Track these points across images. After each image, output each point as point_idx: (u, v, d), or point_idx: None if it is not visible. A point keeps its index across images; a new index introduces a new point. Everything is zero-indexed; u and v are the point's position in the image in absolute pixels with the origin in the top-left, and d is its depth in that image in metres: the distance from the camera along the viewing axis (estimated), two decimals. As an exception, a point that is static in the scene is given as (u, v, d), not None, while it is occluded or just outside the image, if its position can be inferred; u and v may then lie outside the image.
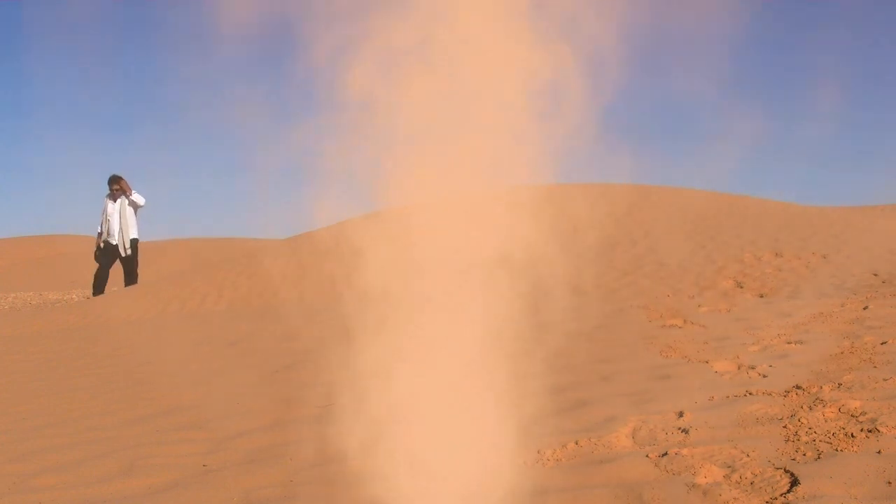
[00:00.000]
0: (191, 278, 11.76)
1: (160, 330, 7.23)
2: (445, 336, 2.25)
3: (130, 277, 12.19)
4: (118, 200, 11.87)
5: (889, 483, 2.41)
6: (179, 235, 29.26)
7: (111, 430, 3.70)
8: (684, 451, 2.79)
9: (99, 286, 12.08)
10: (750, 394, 3.44)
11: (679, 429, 3.05)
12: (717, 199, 14.06)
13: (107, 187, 12.12)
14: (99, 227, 12.04)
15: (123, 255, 11.83)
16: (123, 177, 12.16)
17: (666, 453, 2.79)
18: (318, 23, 2.13)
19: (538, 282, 2.24)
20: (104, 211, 11.97)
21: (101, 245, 11.93)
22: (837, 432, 2.84)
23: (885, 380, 3.45)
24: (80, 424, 3.86)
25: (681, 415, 3.22)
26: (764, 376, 3.75)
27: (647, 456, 2.79)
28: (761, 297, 7.47)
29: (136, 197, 11.86)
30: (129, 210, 11.99)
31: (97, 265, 12.09)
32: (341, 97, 2.17)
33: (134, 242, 12.02)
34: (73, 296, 13.86)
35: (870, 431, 2.81)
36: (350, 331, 2.38)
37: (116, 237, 11.79)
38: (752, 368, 3.92)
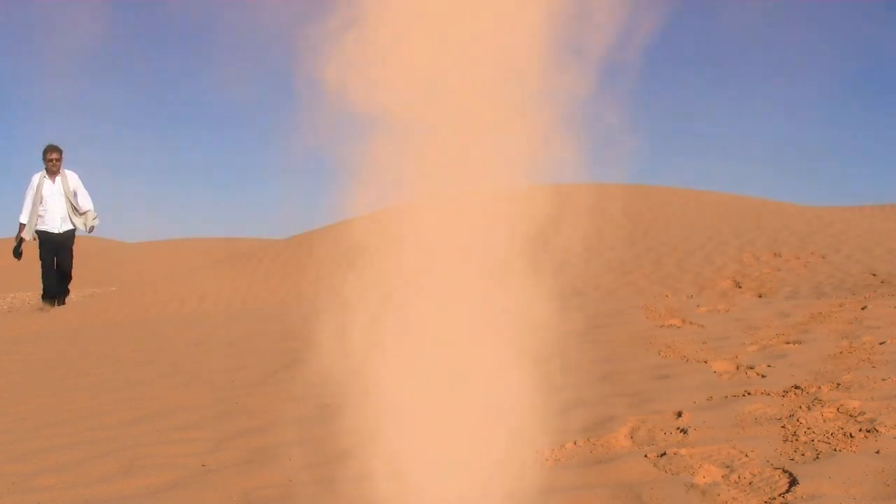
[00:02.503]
0: (190, 278, 11.76)
1: (160, 329, 7.23)
2: (444, 336, 2.25)
3: (64, 274, 9.82)
4: (57, 179, 9.55)
5: (888, 483, 2.41)
6: (179, 235, 29.27)
7: (111, 430, 3.70)
8: (683, 451, 2.80)
9: (50, 291, 9.86)
10: (748, 394, 3.44)
11: (678, 429, 3.06)
12: (716, 199, 14.06)
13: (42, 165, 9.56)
14: (23, 216, 9.51)
15: (88, 230, 9.70)
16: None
17: (665, 453, 2.80)
18: (314, 19, 2.13)
19: (537, 282, 2.25)
20: (37, 192, 9.48)
21: (34, 237, 9.55)
22: (836, 432, 2.85)
23: (883, 380, 3.45)
24: (79, 424, 3.86)
25: (679, 415, 3.23)
26: (763, 376, 3.76)
27: (645, 456, 2.80)
28: (760, 296, 7.49)
29: (84, 200, 9.65)
30: (73, 191, 9.58)
31: (42, 268, 9.70)
32: (341, 96, 2.17)
33: (71, 234, 9.69)
34: (72, 296, 13.85)
35: (868, 431, 2.82)
36: (349, 331, 2.38)
37: (59, 224, 9.48)
38: (751, 368, 3.92)
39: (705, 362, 4.14)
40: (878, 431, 2.80)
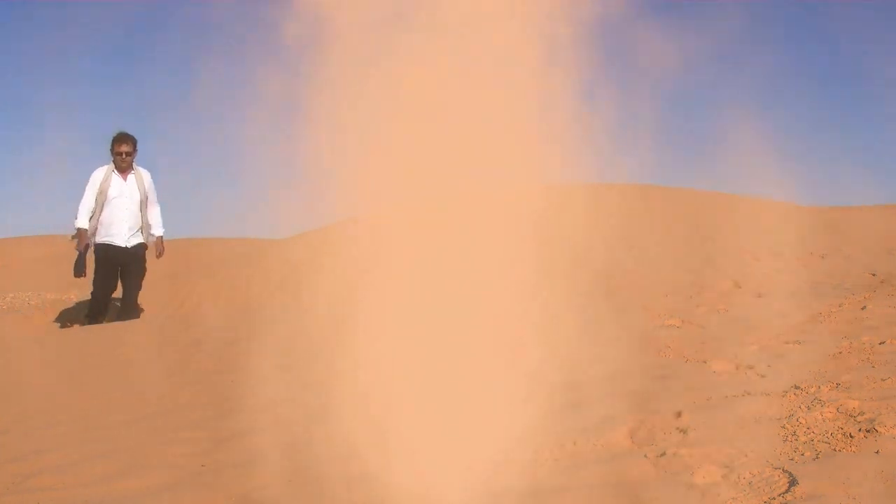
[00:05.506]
0: (189, 278, 11.76)
1: (159, 329, 7.22)
2: (444, 336, 2.25)
3: (130, 305, 7.47)
4: (130, 177, 7.10)
5: (887, 483, 2.41)
6: (178, 234, 29.23)
7: (110, 430, 3.70)
8: (682, 451, 2.80)
9: (97, 314, 7.46)
10: (748, 394, 3.44)
11: (677, 429, 3.06)
12: (716, 199, 14.06)
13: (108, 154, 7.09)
14: (82, 219, 7.02)
15: (158, 253, 7.42)
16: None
17: (664, 453, 2.80)
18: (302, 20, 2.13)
19: (536, 282, 2.25)
20: (101, 190, 6.96)
21: (93, 247, 7.17)
22: (836, 432, 2.85)
23: (883, 380, 3.45)
24: (79, 424, 3.86)
25: (679, 415, 3.23)
26: (762, 376, 3.76)
27: (645, 456, 2.80)
28: (759, 296, 7.48)
29: (153, 214, 7.31)
30: (150, 194, 7.24)
31: (93, 285, 7.33)
32: (333, 97, 2.18)
33: (142, 248, 7.38)
34: (72, 296, 13.82)
35: (868, 431, 2.82)
36: (349, 331, 2.38)
37: (125, 236, 7.12)
38: (751, 368, 3.92)
39: (705, 362, 4.13)
40: (877, 431, 2.80)
